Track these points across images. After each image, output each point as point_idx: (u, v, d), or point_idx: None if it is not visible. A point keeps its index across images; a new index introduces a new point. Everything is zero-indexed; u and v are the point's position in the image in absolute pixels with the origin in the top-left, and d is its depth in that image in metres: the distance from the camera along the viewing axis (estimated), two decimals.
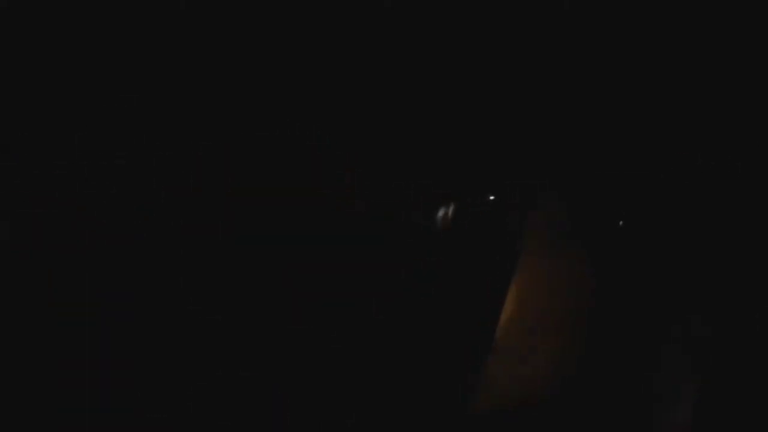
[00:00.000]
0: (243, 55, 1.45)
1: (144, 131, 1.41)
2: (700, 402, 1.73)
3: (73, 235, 1.41)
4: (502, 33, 1.53)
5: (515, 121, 1.64)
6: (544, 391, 1.85)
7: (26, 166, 1.34)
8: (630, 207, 1.74)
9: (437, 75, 1.59)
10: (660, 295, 1.82)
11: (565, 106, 1.65)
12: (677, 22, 1.47)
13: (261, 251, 1.53)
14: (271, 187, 1.51)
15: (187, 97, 1.43)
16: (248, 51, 1.45)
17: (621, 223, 1.71)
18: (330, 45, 1.49)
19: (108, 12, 1.33)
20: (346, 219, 1.59)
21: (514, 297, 1.74)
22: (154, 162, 1.43)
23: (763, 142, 1.63)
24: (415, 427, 1.71)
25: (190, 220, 1.48)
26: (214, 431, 1.55)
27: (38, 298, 1.40)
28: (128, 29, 1.35)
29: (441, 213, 1.62)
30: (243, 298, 1.54)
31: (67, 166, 1.37)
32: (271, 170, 1.51)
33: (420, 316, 1.68)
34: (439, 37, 1.53)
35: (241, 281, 1.53)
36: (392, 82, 1.57)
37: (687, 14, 1.46)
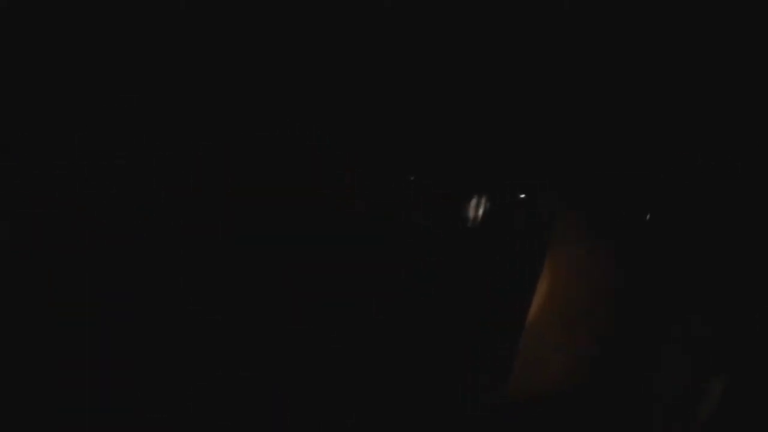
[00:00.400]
0: (243, 55, 1.45)
1: (144, 131, 1.41)
2: (703, 401, 1.73)
3: (73, 235, 1.41)
4: (504, 33, 1.53)
5: (529, 119, 1.64)
6: (570, 383, 1.86)
7: (26, 166, 1.34)
8: (651, 202, 1.74)
9: (438, 75, 1.59)
10: (668, 292, 1.82)
11: (574, 104, 1.65)
12: (678, 22, 1.47)
13: (261, 251, 1.53)
14: (271, 187, 1.51)
15: (187, 97, 1.43)
16: (248, 51, 1.45)
17: (648, 216, 1.71)
18: (330, 45, 1.49)
19: (108, 12, 1.33)
20: (346, 219, 1.59)
21: (541, 290, 1.76)
22: (154, 162, 1.43)
23: (763, 142, 1.63)
24: (430, 422, 1.71)
25: (190, 220, 1.48)
26: (214, 431, 1.55)
27: (38, 298, 1.40)
28: (128, 29, 1.35)
29: (465, 211, 1.62)
30: (243, 298, 1.54)
31: (67, 166, 1.37)
32: (271, 170, 1.51)
33: (437, 313, 1.68)
34: (440, 36, 1.53)
35: (241, 281, 1.53)
36: (392, 82, 1.57)
37: (687, 14, 1.46)
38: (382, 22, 1.49)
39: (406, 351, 1.72)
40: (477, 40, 1.54)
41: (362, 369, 1.70)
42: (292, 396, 1.62)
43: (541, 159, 1.70)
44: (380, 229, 1.65)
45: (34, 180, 1.33)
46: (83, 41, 1.31)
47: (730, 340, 1.73)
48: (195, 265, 1.50)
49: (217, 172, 1.48)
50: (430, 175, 1.64)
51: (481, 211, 1.67)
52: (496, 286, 1.73)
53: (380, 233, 1.65)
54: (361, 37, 1.51)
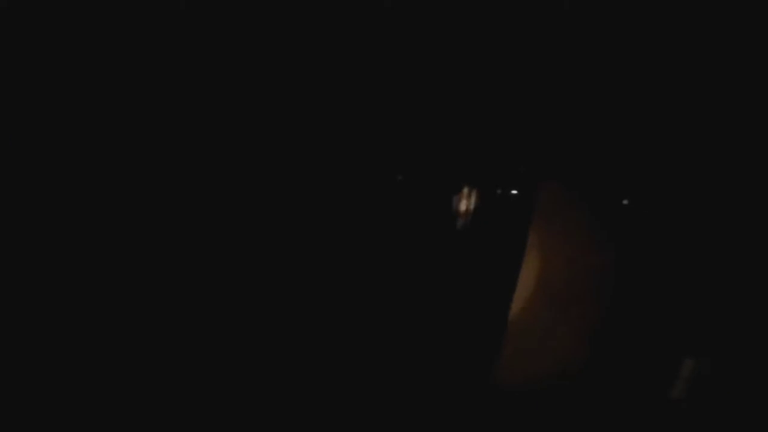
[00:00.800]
0: (243, 55, 1.45)
1: (144, 131, 1.41)
2: (697, 390, 1.74)
3: (73, 235, 1.41)
4: (504, 32, 1.53)
5: (520, 113, 1.65)
6: (564, 367, 1.87)
7: (26, 166, 1.34)
8: (637, 189, 1.75)
9: (437, 75, 1.59)
10: (661, 278, 1.82)
11: (567, 102, 1.66)
12: (678, 22, 1.47)
13: (261, 251, 1.53)
14: (271, 187, 1.51)
15: (187, 97, 1.43)
16: (248, 51, 1.45)
17: (625, 201, 1.71)
18: (330, 45, 1.49)
19: (108, 12, 1.33)
20: (348, 219, 1.59)
21: (528, 275, 1.77)
22: (154, 162, 1.43)
23: (764, 142, 1.63)
24: (420, 415, 1.72)
25: (190, 220, 1.48)
26: (214, 431, 1.55)
27: (38, 298, 1.40)
28: (128, 29, 1.35)
29: (452, 202, 1.63)
30: (243, 298, 1.54)
31: (67, 166, 1.37)
32: (271, 170, 1.51)
33: (423, 306, 1.69)
34: (441, 36, 1.53)
35: (241, 281, 1.53)
36: (393, 82, 1.57)
37: (687, 14, 1.46)
38: (382, 22, 1.49)
39: (397, 347, 1.73)
40: (477, 40, 1.54)
41: (358, 367, 1.70)
42: (292, 396, 1.62)
43: (546, 145, 1.71)
44: (369, 228, 1.65)
45: (34, 180, 1.33)
46: (83, 41, 1.32)
47: (727, 333, 1.73)
48: (195, 265, 1.50)
49: (217, 172, 1.48)
50: (415, 173, 1.65)
51: (462, 199, 1.68)
52: (479, 275, 1.74)
53: (370, 231, 1.65)
54: (361, 37, 1.51)
